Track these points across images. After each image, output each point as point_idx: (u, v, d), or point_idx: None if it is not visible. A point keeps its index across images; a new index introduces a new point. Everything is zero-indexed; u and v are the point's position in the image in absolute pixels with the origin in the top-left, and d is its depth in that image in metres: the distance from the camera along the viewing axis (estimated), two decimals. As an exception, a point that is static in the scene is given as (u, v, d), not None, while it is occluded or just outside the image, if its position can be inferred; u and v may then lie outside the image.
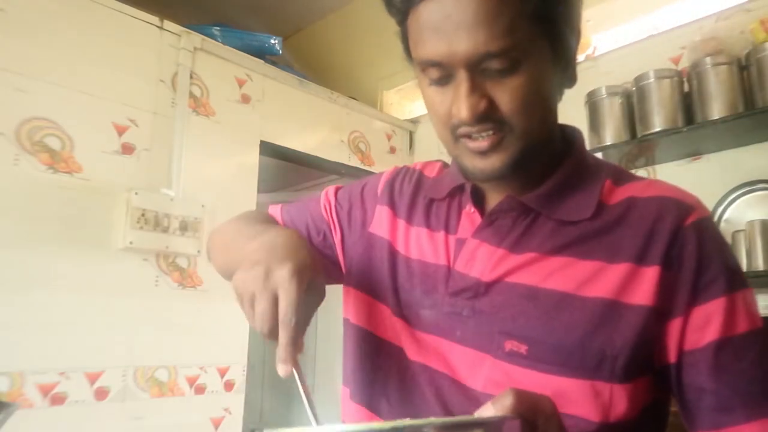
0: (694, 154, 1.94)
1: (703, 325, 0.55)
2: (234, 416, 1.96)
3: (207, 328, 1.93)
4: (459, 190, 0.69)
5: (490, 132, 0.56)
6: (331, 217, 0.80)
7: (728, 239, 1.74)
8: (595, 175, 0.64)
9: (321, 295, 0.58)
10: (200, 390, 1.88)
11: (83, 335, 1.63)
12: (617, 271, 0.56)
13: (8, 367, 1.50)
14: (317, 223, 0.80)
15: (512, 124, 0.56)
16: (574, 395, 0.55)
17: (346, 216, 0.79)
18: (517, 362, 0.57)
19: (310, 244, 0.73)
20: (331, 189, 0.84)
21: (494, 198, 0.66)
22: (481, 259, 0.62)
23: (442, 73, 0.56)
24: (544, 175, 0.63)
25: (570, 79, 0.63)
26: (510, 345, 0.57)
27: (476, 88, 0.55)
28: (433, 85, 0.58)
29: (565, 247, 0.59)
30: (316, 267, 0.58)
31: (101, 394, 1.65)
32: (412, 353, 0.65)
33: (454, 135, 0.58)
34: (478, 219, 0.65)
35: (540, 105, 0.57)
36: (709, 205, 1.84)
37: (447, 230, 0.68)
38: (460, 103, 0.55)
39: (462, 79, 0.55)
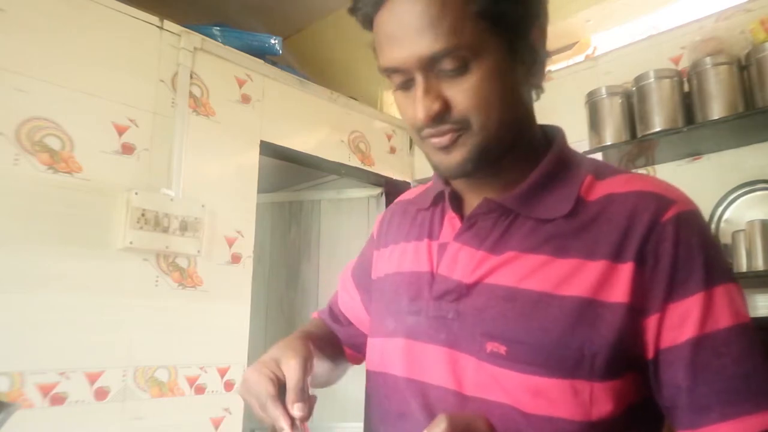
0: (694, 154, 1.94)
1: (681, 322, 0.54)
2: (234, 416, 1.96)
3: (207, 328, 1.93)
4: (441, 197, 0.71)
5: (450, 131, 0.59)
6: (352, 291, 0.86)
7: (728, 239, 1.74)
8: (575, 171, 0.64)
9: None
10: (200, 390, 1.88)
11: (83, 335, 1.63)
12: (595, 268, 0.56)
13: (8, 367, 1.50)
14: (339, 308, 0.89)
15: (469, 122, 0.58)
16: (553, 395, 0.55)
17: (365, 278, 0.83)
18: (499, 363, 0.57)
19: (344, 326, 0.86)
20: (349, 266, 0.90)
21: (474, 201, 0.66)
22: (462, 262, 0.63)
23: (403, 78, 0.59)
24: (522, 175, 0.64)
25: (535, 76, 0.62)
26: (491, 346, 0.58)
27: (431, 90, 0.57)
28: (398, 89, 0.61)
29: (543, 244, 0.59)
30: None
31: (101, 394, 1.65)
32: (398, 370, 0.66)
33: (420, 135, 0.61)
34: (458, 223, 0.66)
35: (497, 102, 0.58)
36: (709, 205, 1.85)
37: (430, 237, 0.70)
38: (417, 105, 0.58)
39: (418, 82, 0.57)
